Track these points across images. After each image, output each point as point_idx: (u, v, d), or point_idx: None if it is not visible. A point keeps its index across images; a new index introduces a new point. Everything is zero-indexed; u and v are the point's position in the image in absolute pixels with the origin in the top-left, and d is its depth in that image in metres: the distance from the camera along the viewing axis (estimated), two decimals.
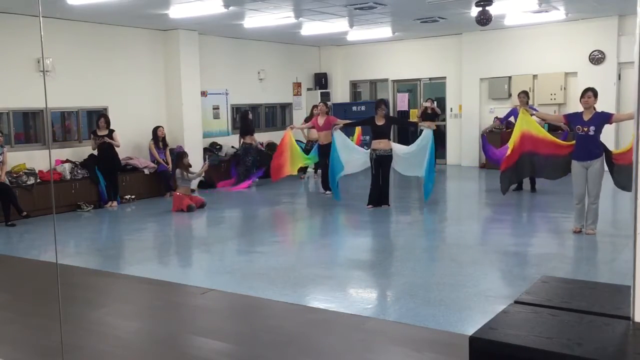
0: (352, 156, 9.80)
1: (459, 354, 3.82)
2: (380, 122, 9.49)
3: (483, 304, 5.04)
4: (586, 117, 7.01)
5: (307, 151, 12.40)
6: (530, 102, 13.50)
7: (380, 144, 9.47)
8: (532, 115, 8.79)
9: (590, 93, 7.06)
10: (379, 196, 9.56)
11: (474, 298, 5.22)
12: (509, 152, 8.71)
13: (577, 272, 5.95)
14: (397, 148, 9.79)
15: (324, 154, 11.09)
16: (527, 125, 8.41)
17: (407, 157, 9.69)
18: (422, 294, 5.32)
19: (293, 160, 11.20)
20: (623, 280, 2.63)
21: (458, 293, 5.34)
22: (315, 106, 12.84)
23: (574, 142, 7.41)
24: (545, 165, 8.45)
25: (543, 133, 8.45)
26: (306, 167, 13.30)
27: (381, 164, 9.47)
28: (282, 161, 11.03)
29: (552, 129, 11.37)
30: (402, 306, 5.06)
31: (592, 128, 6.93)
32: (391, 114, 15.98)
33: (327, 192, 11.07)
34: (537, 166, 8.51)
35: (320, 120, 11.16)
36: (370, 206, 9.51)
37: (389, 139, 9.64)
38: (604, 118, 7.03)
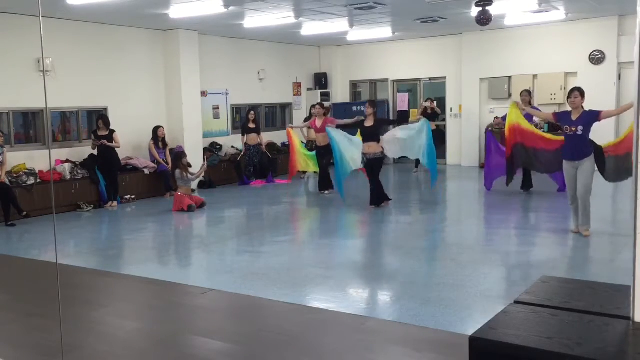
0: (355, 150, 9.70)
1: (459, 354, 3.82)
2: (368, 123, 9.33)
3: (483, 304, 5.04)
4: (574, 117, 6.95)
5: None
6: (533, 103, 13.59)
7: (370, 148, 9.28)
8: (523, 109, 8.91)
9: (577, 93, 6.97)
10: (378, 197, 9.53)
11: (474, 298, 5.22)
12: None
13: (577, 272, 5.95)
14: (392, 133, 9.61)
15: (322, 156, 11.02)
16: (516, 118, 8.76)
17: (402, 140, 9.60)
18: (422, 294, 5.33)
19: (299, 157, 11.65)
20: (623, 280, 2.63)
21: (458, 293, 5.34)
22: (314, 106, 12.84)
23: (562, 137, 7.39)
24: (537, 158, 8.69)
25: (531, 127, 8.68)
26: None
27: (373, 167, 9.35)
28: (294, 160, 11.72)
29: (553, 128, 11.38)
30: (402, 306, 5.06)
31: (580, 128, 6.87)
32: (392, 114, 16.07)
33: (325, 192, 11.05)
34: (530, 159, 8.74)
35: (318, 122, 11.12)
36: (372, 206, 9.47)
37: (379, 142, 9.37)
38: (592, 116, 6.95)
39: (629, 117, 7.83)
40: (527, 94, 10.23)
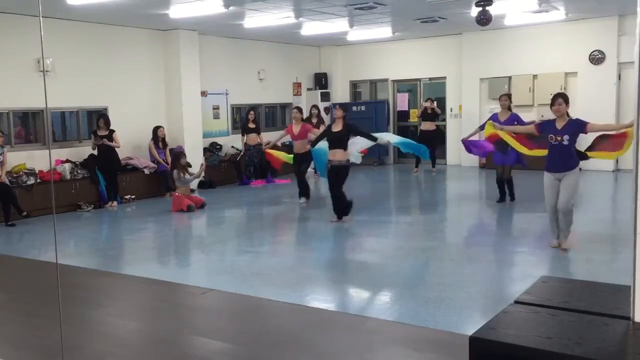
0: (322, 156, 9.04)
1: (459, 354, 3.82)
2: (336, 128, 8.47)
3: (483, 304, 5.04)
4: (559, 125, 6.36)
5: None
6: (533, 103, 13.59)
7: (335, 155, 8.39)
8: (501, 129, 7.91)
9: (560, 100, 6.38)
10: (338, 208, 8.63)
11: (474, 298, 5.22)
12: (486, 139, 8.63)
13: (577, 272, 5.95)
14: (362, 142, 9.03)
15: (299, 163, 10.26)
16: (494, 130, 7.92)
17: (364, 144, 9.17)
18: (422, 294, 5.33)
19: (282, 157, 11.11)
20: (623, 280, 2.63)
21: (458, 293, 5.34)
22: (314, 106, 12.82)
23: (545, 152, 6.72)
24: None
25: (510, 139, 7.73)
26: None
27: (337, 174, 8.46)
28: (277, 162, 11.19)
29: None
30: (402, 306, 5.06)
31: (566, 137, 6.28)
32: (392, 115, 16.06)
33: (302, 199, 10.34)
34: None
35: (295, 128, 10.35)
36: (337, 220, 8.59)
37: (346, 149, 8.43)
38: (579, 126, 6.36)
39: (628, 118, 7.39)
40: (507, 98, 9.48)
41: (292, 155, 10.64)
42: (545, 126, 6.64)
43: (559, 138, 6.33)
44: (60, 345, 4.04)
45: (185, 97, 12.44)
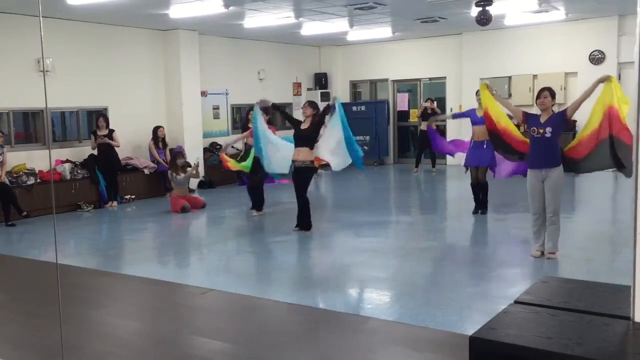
0: (274, 149, 8.11)
1: (459, 354, 3.82)
2: (304, 125, 7.92)
3: (483, 304, 5.04)
4: (543, 119, 6.20)
5: None
6: (533, 103, 13.55)
7: (299, 154, 7.80)
8: (492, 93, 7.16)
9: (546, 93, 6.23)
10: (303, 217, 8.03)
11: (474, 298, 5.22)
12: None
13: (577, 272, 5.95)
14: (323, 150, 8.02)
15: (256, 171, 9.12)
16: (489, 101, 7.02)
17: (335, 147, 7.96)
18: (422, 294, 5.33)
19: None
20: (623, 280, 2.64)
21: (458, 293, 5.34)
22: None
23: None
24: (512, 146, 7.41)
25: (504, 120, 6.99)
26: None
27: (300, 176, 7.89)
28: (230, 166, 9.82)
29: None
30: (402, 306, 5.06)
31: (548, 129, 6.09)
32: (392, 115, 16.05)
33: (255, 212, 9.48)
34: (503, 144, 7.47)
35: None
36: (297, 228, 8.04)
37: (312, 149, 7.84)
38: (561, 116, 6.22)
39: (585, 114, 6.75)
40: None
41: (248, 164, 9.29)
42: (530, 118, 6.42)
43: (541, 131, 6.15)
44: (60, 345, 4.04)
45: (185, 97, 12.45)
